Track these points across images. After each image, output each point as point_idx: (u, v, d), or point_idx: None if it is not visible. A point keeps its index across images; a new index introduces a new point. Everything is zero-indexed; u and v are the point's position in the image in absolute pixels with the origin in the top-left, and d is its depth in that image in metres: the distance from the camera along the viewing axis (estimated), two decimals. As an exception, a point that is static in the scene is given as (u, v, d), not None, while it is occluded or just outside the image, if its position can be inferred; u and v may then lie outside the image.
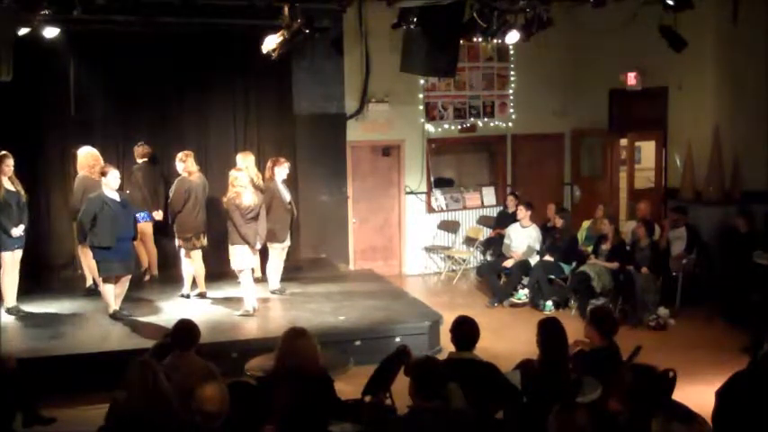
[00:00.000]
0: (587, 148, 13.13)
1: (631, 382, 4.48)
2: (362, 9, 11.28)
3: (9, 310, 8.70)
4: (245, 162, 9.81)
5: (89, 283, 9.57)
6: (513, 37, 9.54)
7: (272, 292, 9.71)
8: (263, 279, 9.93)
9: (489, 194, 13.00)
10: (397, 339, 7.94)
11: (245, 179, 8.84)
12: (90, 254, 8.78)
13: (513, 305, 10.51)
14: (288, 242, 9.87)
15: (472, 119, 12.68)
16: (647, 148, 12.47)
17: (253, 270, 9.30)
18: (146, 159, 10.33)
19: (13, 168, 8.59)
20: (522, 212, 10.80)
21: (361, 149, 12.17)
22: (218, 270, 9.58)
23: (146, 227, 10.08)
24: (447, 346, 6.23)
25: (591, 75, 12.42)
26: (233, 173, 8.90)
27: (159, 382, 4.65)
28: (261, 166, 10.22)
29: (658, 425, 3.70)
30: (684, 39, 9.17)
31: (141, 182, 10.18)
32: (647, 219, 10.42)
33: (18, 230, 8.57)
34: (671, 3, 8.43)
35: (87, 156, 9.52)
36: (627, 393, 4.42)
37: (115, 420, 4.77)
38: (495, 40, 10.78)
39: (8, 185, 8.55)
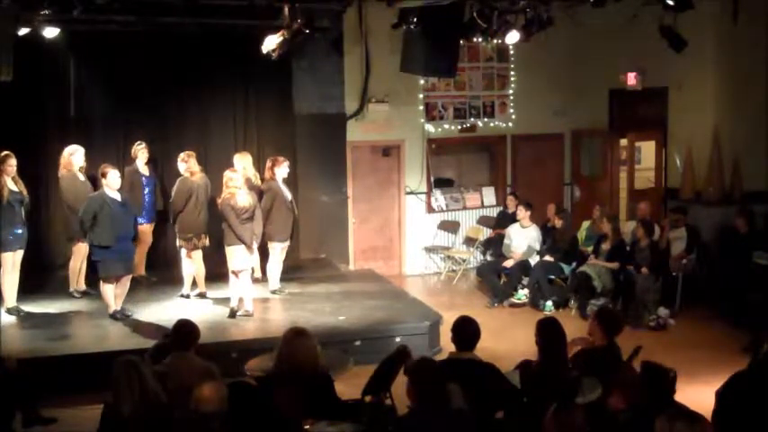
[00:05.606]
0: (587, 148, 13.13)
1: (640, 378, 4.49)
2: (362, 9, 11.26)
3: (9, 311, 8.70)
4: (242, 162, 9.82)
5: (72, 287, 9.48)
6: (513, 37, 9.55)
7: (273, 292, 9.71)
8: (263, 279, 9.93)
9: (489, 194, 12.99)
10: (397, 339, 7.93)
11: (239, 180, 8.82)
12: (77, 255, 8.77)
13: (513, 305, 10.50)
14: (288, 242, 9.86)
15: (472, 119, 12.67)
16: (647, 148, 12.48)
17: (252, 270, 9.31)
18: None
19: (15, 168, 8.59)
20: (522, 212, 10.79)
21: (361, 149, 12.16)
22: (218, 270, 9.57)
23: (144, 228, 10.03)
24: (447, 346, 6.22)
25: (591, 75, 12.40)
26: (227, 173, 8.88)
27: (146, 381, 4.63)
28: (261, 166, 10.22)
29: (662, 423, 3.70)
30: (684, 39, 9.16)
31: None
32: (647, 219, 10.41)
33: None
34: (671, 3, 8.42)
35: (64, 154, 9.38)
36: (634, 390, 4.42)
37: (108, 424, 4.76)
38: (495, 40, 10.80)
39: (12, 186, 8.54)
